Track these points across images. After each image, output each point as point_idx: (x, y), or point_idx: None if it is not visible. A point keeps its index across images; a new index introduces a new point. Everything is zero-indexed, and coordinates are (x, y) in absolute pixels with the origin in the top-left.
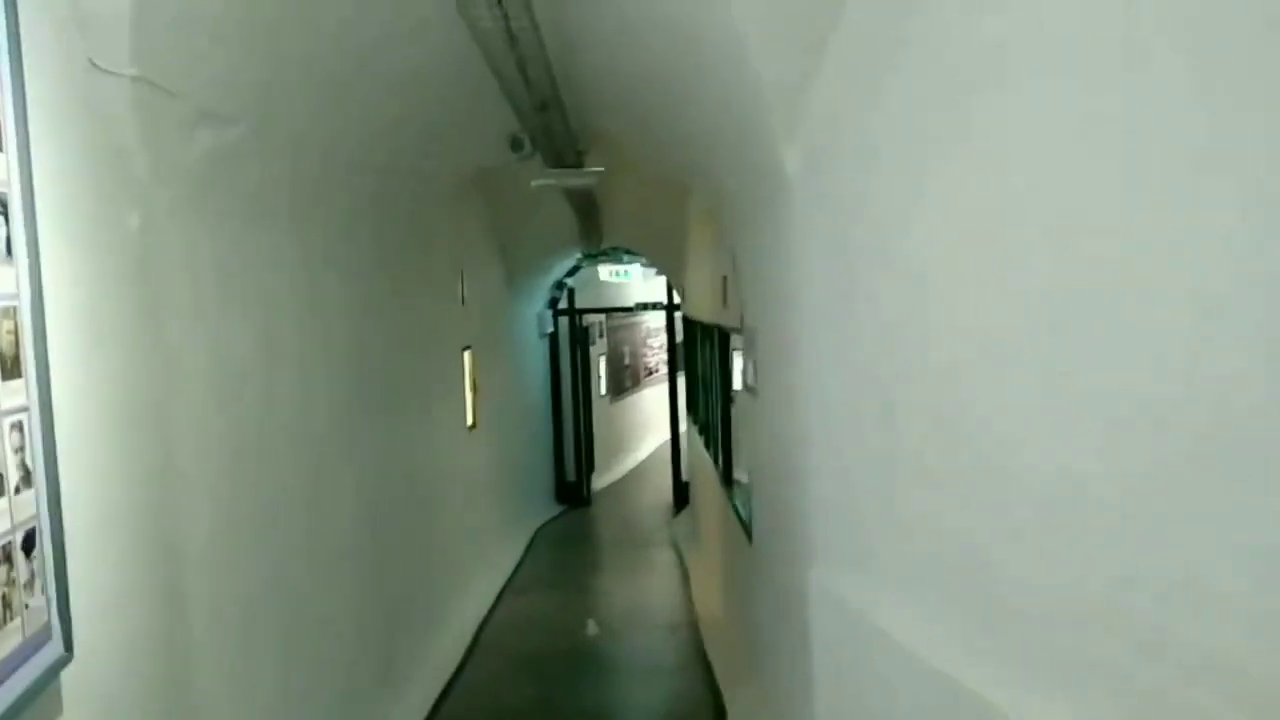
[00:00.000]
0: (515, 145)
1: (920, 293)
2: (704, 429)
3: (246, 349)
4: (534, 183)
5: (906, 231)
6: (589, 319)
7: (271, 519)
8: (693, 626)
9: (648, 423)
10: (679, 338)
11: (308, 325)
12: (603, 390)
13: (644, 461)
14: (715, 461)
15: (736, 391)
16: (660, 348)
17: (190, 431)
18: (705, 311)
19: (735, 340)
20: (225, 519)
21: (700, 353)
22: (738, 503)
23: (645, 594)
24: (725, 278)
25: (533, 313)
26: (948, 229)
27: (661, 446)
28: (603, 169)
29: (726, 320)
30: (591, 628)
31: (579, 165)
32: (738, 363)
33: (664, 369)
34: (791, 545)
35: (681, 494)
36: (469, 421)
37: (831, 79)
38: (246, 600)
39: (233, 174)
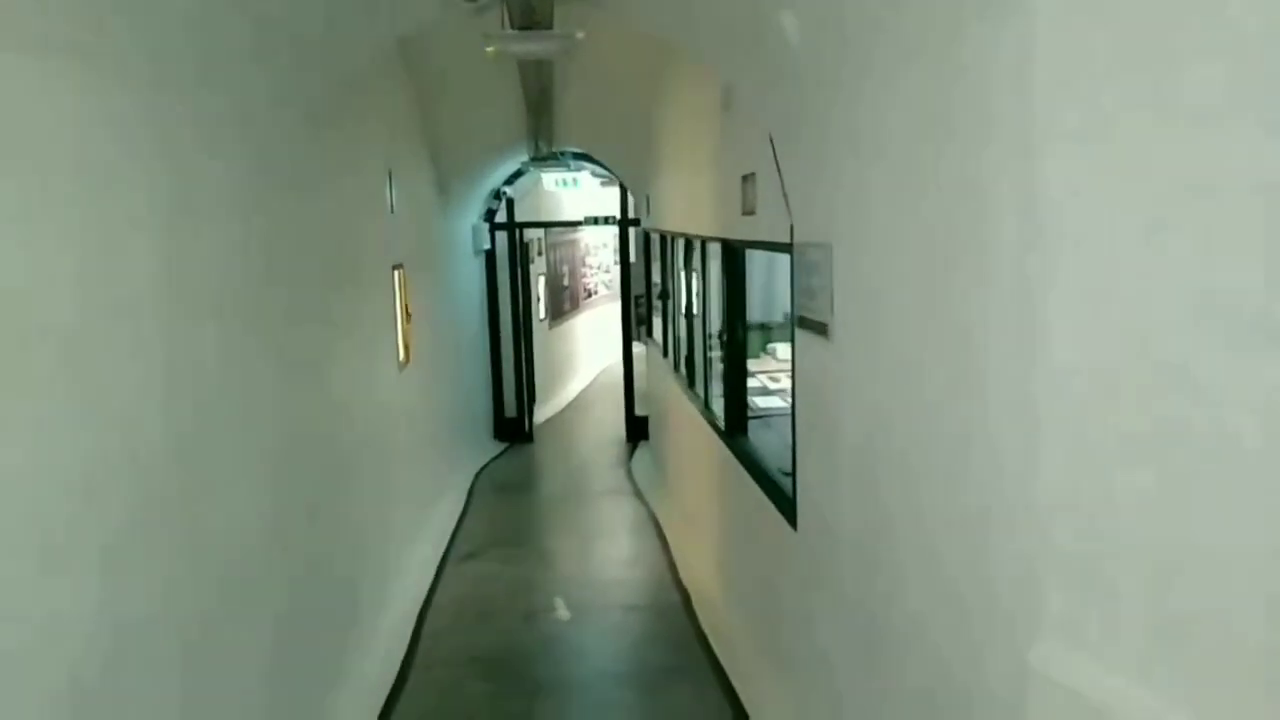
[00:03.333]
0: None
1: None
2: (684, 364)
3: (59, 286)
4: (489, 46)
5: None
6: (528, 235)
7: (130, 538)
8: (684, 607)
9: (586, 350)
10: (633, 257)
11: (176, 241)
12: (542, 315)
13: (584, 392)
14: (705, 405)
15: (763, 324)
16: (599, 268)
17: None
18: (699, 224)
19: (759, 259)
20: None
21: (683, 275)
22: (755, 466)
23: (616, 559)
24: (746, 178)
25: (468, 225)
26: None
27: (603, 374)
28: (581, 33)
29: (750, 233)
30: (561, 609)
31: (549, 27)
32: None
33: (603, 290)
34: (947, 594)
35: (636, 429)
36: (401, 356)
37: None
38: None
39: None
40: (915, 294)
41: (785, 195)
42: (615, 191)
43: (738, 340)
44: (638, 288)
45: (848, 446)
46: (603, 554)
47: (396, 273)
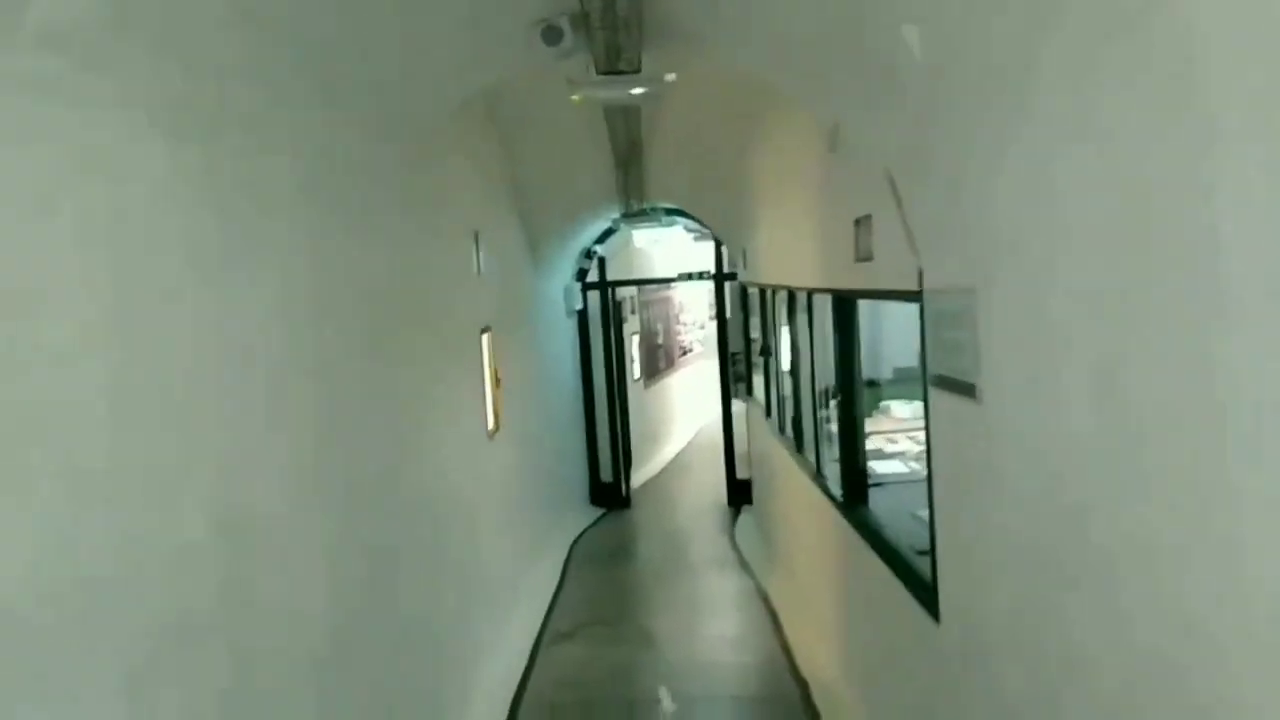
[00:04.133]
0: (550, 36)
1: None
2: (790, 425)
3: (91, 352)
4: (575, 95)
5: None
6: (620, 293)
7: (162, 649)
8: (804, 700)
9: (683, 410)
10: (727, 312)
11: (240, 309)
12: (636, 374)
13: (681, 453)
14: (817, 471)
15: (872, 380)
16: (694, 324)
17: None
18: (803, 275)
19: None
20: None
21: (785, 330)
22: (880, 542)
23: (724, 640)
24: (859, 221)
25: (559, 286)
26: None
27: (700, 435)
28: (671, 75)
29: (865, 282)
30: (667, 702)
31: (637, 70)
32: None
33: (698, 348)
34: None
35: (738, 493)
36: (490, 425)
37: None
38: None
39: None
40: (1107, 345)
41: (910, 236)
42: (708, 246)
43: (852, 399)
44: (735, 344)
45: (1007, 529)
46: (709, 634)
47: (485, 336)
